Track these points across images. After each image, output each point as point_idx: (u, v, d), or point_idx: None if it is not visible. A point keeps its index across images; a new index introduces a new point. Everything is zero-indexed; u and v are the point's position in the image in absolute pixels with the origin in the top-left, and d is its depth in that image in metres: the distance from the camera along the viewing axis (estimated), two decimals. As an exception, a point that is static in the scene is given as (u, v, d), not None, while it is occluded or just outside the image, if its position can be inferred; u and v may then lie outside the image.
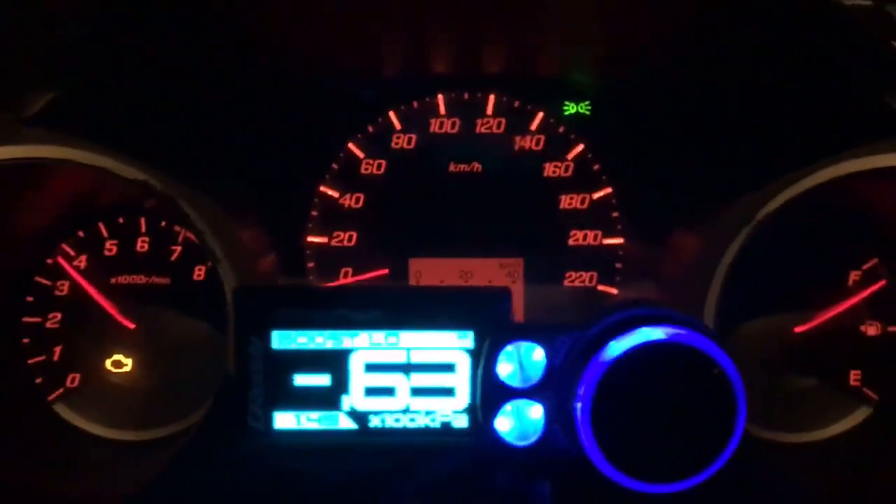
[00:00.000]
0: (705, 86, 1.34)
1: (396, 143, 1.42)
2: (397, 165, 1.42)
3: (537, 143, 1.43)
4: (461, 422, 1.03)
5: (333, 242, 1.42)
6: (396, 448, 1.03)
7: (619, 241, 1.42)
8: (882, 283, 1.32)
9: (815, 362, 1.33)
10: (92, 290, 1.30)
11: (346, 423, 1.02)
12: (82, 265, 1.32)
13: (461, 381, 1.02)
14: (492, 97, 1.42)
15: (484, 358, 1.01)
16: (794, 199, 1.12)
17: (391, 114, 1.42)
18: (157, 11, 1.06)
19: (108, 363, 1.32)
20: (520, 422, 1.02)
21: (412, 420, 1.02)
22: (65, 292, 1.32)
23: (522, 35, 1.28)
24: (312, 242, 1.42)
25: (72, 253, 1.32)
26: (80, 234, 1.32)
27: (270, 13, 1.15)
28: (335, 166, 1.42)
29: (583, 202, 1.42)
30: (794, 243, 1.32)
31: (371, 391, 1.02)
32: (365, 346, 1.01)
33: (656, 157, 1.38)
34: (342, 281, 1.42)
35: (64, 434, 1.29)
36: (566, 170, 1.42)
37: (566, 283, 1.42)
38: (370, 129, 1.42)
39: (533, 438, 1.02)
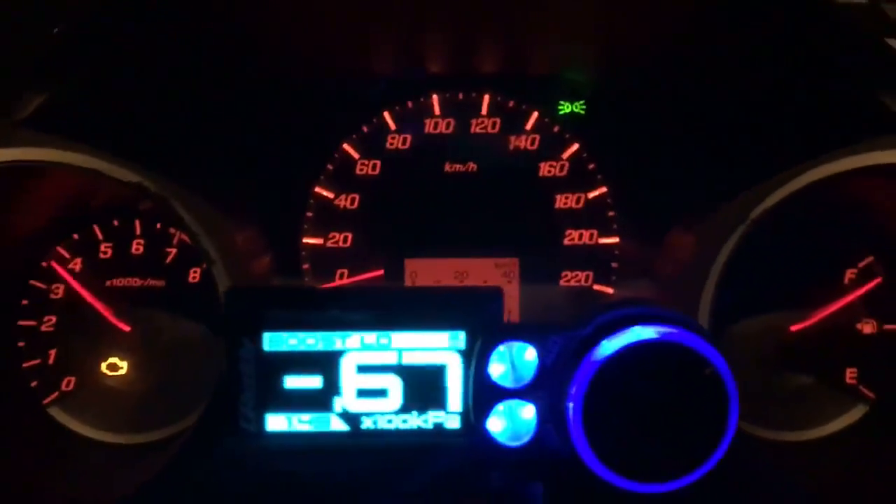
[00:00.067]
0: (700, 85, 1.34)
1: (391, 144, 1.42)
2: (392, 166, 1.42)
3: (532, 143, 1.42)
4: (453, 423, 1.02)
5: (329, 243, 1.42)
6: (389, 449, 1.02)
7: (614, 240, 1.42)
8: (878, 280, 1.32)
9: (812, 361, 1.33)
10: (85, 294, 1.30)
11: (338, 425, 1.02)
12: (77, 268, 1.32)
13: (453, 381, 1.02)
14: (486, 97, 1.42)
15: (475, 358, 1.01)
16: (788, 197, 1.12)
17: (386, 114, 1.42)
18: (151, 12, 1.06)
19: (103, 366, 1.32)
20: (512, 422, 1.02)
21: (404, 421, 1.02)
22: (60, 295, 1.32)
23: (517, 34, 1.28)
24: (308, 244, 1.42)
25: (67, 256, 1.32)
26: (75, 236, 1.33)
27: (264, 14, 1.15)
28: (330, 167, 1.42)
29: (578, 201, 1.42)
30: (790, 241, 1.32)
31: (363, 393, 1.02)
32: (356, 348, 1.01)
33: (651, 156, 1.38)
34: (338, 282, 1.42)
35: (59, 437, 1.29)
36: (561, 169, 1.42)
37: (562, 282, 1.42)
38: (365, 129, 1.42)
39: (525, 439, 1.02)
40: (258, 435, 1.01)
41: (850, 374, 1.32)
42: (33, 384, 1.31)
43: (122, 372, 1.32)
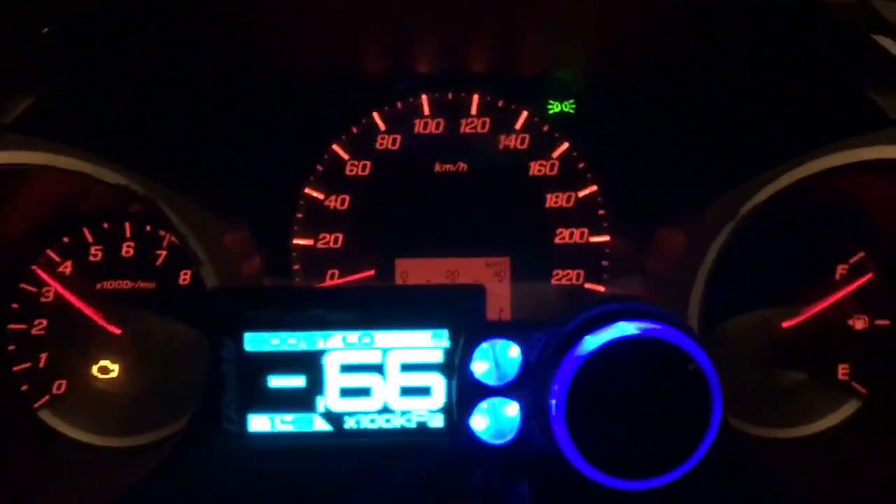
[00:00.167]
0: (689, 82, 1.33)
1: (381, 144, 1.42)
2: (382, 166, 1.42)
3: (522, 142, 1.42)
4: (437, 421, 1.02)
5: (319, 244, 1.42)
6: (372, 449, 1.02)
7: (605, 238, 1.42)
8: (869, 276, 1.31)
9: (803, 357, 1.33)
10: (72, 298, 1.30)
11: (321, 425, 1.01)
12: (67, 271, 1.32)
13: (436, 379, 1.02)
14: (476, 97, 1.42)
15: (458, 356, 1.01)
16: (778, 193, 1.11)
17: (375, 114, 1.42)
18: (138, 16, 1.06)
19: (94, 369, 1.32)
20: (496, 420, 1.02)
21: (388, 420, 1.02)
22: (50, 299, 1.32)
23: (506, 34, 1.27)
24: (298, 245, 1.42)
25: (57, 259, 1.32)
26: (65, 239, 1.33)
27: (252, 15, 1.15)
28: (320, 168, 1.42)
29: (568, 200, 1.42)
30: (781, 238, 1.31)
31: (346, 392, 1.02)
32: (339, 347, 1.01)
33: (641, 154, 1.38)
34: (329, 283, 1.41)
35: (50, 441, 1.29)
36: (551, 168, 1.42)
37: (553, 281, 1.42)
38: (354, 130, 1.42)
39: (509, 437, 1.02)
40: (241, 436, 1.01)
41: (843, 370, 1.32)
42: (24, 388, 1.31)
43: (114, 375, 1.32)
